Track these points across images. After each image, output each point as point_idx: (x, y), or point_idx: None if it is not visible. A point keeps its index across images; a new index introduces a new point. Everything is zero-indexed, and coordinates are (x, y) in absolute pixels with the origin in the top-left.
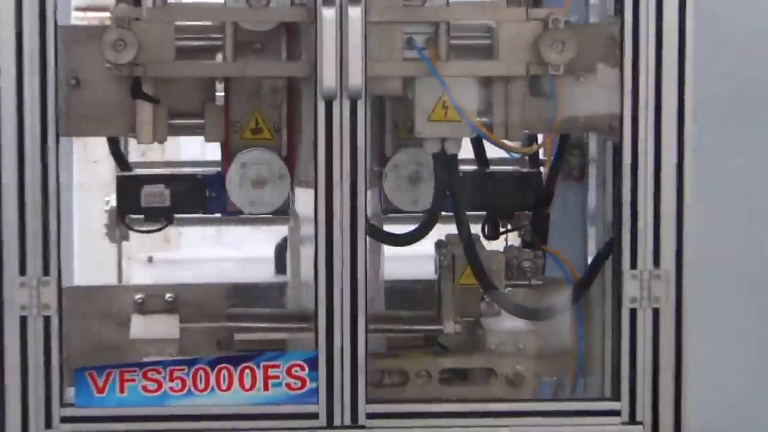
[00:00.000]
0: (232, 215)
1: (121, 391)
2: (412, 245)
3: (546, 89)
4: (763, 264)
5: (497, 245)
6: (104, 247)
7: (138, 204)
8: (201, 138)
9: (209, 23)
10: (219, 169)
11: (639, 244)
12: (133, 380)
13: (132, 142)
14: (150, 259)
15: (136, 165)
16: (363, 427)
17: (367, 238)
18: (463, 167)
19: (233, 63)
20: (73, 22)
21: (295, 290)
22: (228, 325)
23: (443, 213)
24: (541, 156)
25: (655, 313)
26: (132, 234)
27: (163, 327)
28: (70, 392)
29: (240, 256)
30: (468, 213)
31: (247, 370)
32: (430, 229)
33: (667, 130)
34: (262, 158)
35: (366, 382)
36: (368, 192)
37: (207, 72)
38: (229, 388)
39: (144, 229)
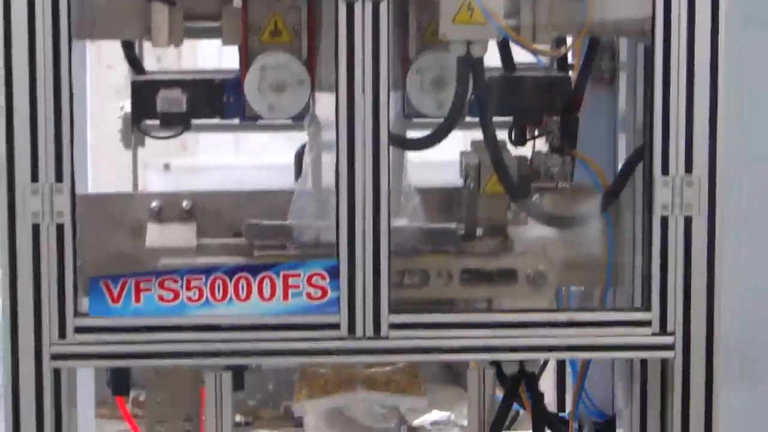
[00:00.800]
0: (251, 121)
1: (137, 300)
2: (438, 151)
3: None
4: None
5: (524, 151)
6: (119, 154)
7: (153, 109)
8: (218, 46)
9: None
10: (237, 73)
11: (671, 150)
12: (149, 289)
13: (147, 50)
14: (166, 167)
15: (151, 74)
16: (386, 338)
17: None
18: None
19: None
20: None
21: (316, 198)
22: (247, 244)
23: (468, 119)
24: (569, 60)
25: (687, 220)
26: (148, 141)
27: (180, 235)
28: (85, 303)
29: (259, 164)
30: (494, 119)
31: (267, 280)
32: (450, 131)
33: (701, 31)
34: (281, 61)
35: (389, 292)
36: (391, 96)
37: None
38: (247, 297)
39: (160, 135)
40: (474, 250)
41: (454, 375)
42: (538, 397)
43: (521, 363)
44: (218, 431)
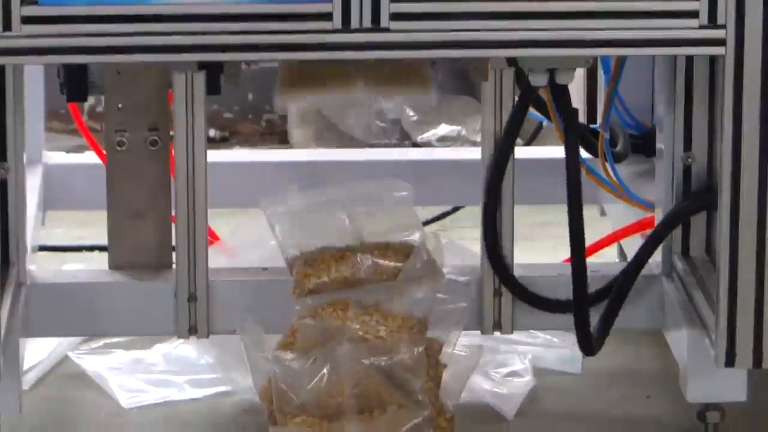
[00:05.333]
0: None
1: None
2: None
3: None
4: None
5: None
6: None
7: None
8: None
9: None
10: None
11: None
12: None
13: None
14: None
15: None
16: (386, 29)
17: None
18: None
19: None
20: None
21: None
22: None
23: None
24: None
25: None
26: None
27: None
28: None
29: None
30: None
31: None
32: None
33: None
34: None
35: None
36: None
37: None
38: None
39: None
40: None
41: (467, 85)
42: (569, 111)
43: (552, 74)
44: (189, 141)
